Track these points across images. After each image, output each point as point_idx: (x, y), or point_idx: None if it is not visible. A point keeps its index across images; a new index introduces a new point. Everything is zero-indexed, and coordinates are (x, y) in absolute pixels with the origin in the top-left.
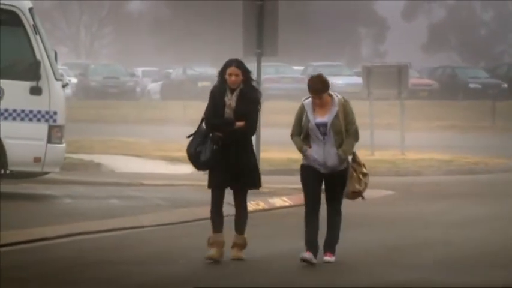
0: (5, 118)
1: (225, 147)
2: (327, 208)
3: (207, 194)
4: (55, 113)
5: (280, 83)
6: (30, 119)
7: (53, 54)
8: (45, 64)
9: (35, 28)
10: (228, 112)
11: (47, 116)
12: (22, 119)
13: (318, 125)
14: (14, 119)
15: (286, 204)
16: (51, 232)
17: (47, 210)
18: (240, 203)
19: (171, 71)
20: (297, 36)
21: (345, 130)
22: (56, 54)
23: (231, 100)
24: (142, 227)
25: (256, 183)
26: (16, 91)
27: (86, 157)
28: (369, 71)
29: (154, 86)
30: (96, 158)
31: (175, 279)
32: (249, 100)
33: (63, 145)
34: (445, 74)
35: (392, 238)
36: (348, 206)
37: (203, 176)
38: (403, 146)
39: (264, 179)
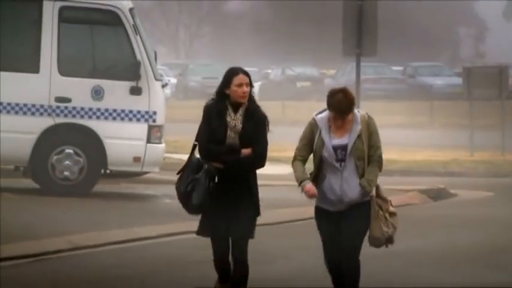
0: (105, 118)
1: (223, 184)
2: (342, 259)
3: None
4: (155, 113)
5: (379, 84)
6: (130, 119)
7: (153, 54)
8: (145, 64)
9: (135, 28)
10: (232, 136)
11: (146, 116)
12: (122, 119)
13: (336, 148)
14: (114, 118)
15: None
16: (151, 232)
17: (146, 209)
18: (238, 255)
19: (269, 71)
20: (396, 36)
21: (367, 155)
22: (156, 54)
23: (235, 120)
24: None
25: (251, 231)
26: (116, 91)
27: (185, 157)
28: (469, 71)
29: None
30: None
31: (276, 278)
32: (259, 120)
33: (163, 145)
34: None
35: (491, 239)
36: (448, 208)
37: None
38: (504, 146)
39: None
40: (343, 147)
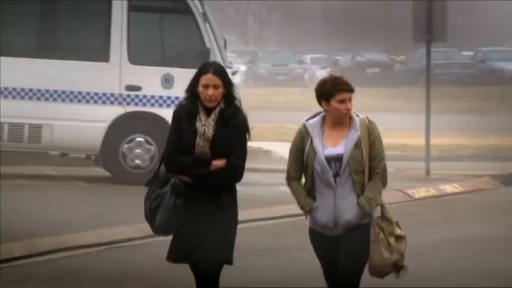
0: (176, 106)
1: (194, 201)
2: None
3: None
4: None
5: (450, 69)
6: None
7: (222, 42)
8: (215, 51)
9: (204, 16)
10: (202, 145)
11: None
12: None
13: (329, 160)
14: None
15: (457, 190)
16: None
17: None
18: (208, 283)
19: (339, 57)
20: (466, 21)
21: (368, 168)
22: (225, 41)
23: (205, 125)
24: None
25: (228, 257)
26: (186, 79)
27: (255, 144)
28: None
29: (322, 73)
30: (266, 145)
31: None
32: (236, 126)
33: None
34: None
35: None
36: None
37: None
38: None
39: (433, 165)
40: (338, 159)
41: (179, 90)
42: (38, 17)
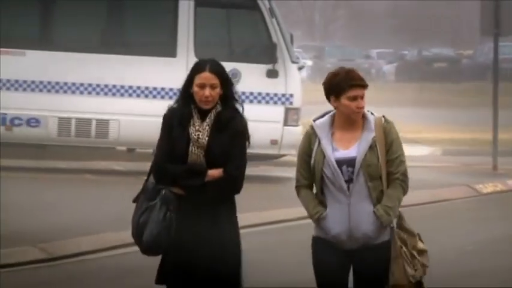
0: (242, 101)
1: (187, 215)
2: None
3: (443, 176)
4: (291, 95)
5: None
6: (267, 102)
7: (289, 37)
8: (281, 47)
9: (271, 11)
10: (196, 152)
11: (283, 99)
12: (259, 102)
13: (340, 163)
14: (251, 101)
15: None
16: (290, 214)
17: (284, 192)
18: None
19: (406, 52)
20: None
21: (386, 173)
22: (292, 37)
23: (200, 131)
24: None
25: (238, 280)
26: (253, 74)
27: None
28: None
29: (389, 68)
30: None
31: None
32: (234, 132)
33: (300, 127)
34: None
35: None
36: None
37: (440, 157)
38: None
39: (500, 160)
40: (351, 162)
41: (246, 85)
42: (105, 14)
